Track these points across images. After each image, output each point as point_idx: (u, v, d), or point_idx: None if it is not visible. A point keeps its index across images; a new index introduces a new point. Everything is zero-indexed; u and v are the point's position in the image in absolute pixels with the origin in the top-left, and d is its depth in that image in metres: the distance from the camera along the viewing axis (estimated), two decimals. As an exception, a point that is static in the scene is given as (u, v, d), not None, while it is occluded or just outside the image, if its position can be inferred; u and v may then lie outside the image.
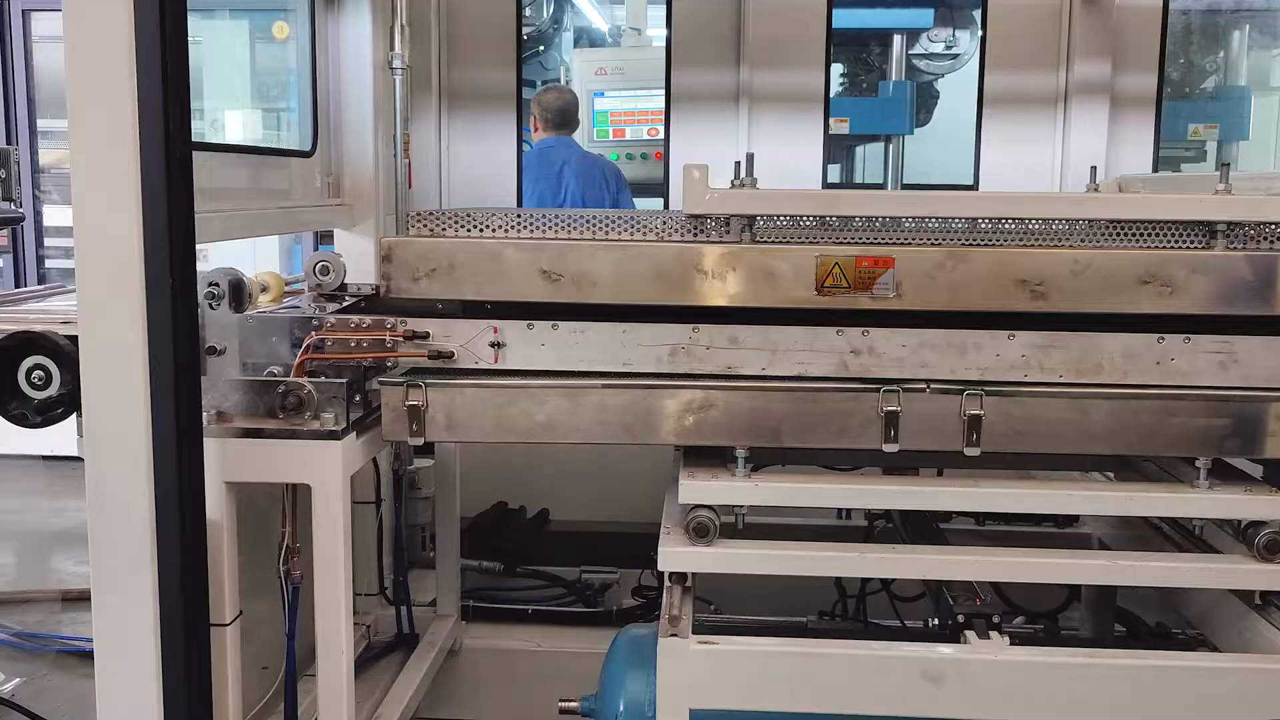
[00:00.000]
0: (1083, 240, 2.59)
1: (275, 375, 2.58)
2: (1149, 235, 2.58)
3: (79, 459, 2.27)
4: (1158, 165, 4.95)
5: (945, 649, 2.45)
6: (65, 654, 4.58)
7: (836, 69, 7.41)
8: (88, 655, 2.57)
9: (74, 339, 2.29)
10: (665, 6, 5.01)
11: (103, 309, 2.19)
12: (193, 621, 2.30)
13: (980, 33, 4.97)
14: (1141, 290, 2.50)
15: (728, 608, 3.59)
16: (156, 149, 2.13)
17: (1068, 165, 4.81)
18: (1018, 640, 2.50)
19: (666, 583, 2.59)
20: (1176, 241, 2.57)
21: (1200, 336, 2.52)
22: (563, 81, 7.93)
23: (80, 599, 5.00)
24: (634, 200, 5.86)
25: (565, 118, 5.67)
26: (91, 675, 2.31)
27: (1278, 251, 2.53)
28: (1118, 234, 2.58)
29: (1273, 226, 2.56)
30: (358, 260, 3.67)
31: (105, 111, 2.13)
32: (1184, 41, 7.58)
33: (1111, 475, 2.92)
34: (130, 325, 2.17)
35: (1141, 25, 4.79)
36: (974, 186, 4.93)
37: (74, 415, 2.42)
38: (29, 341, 2.43)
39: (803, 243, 2.58)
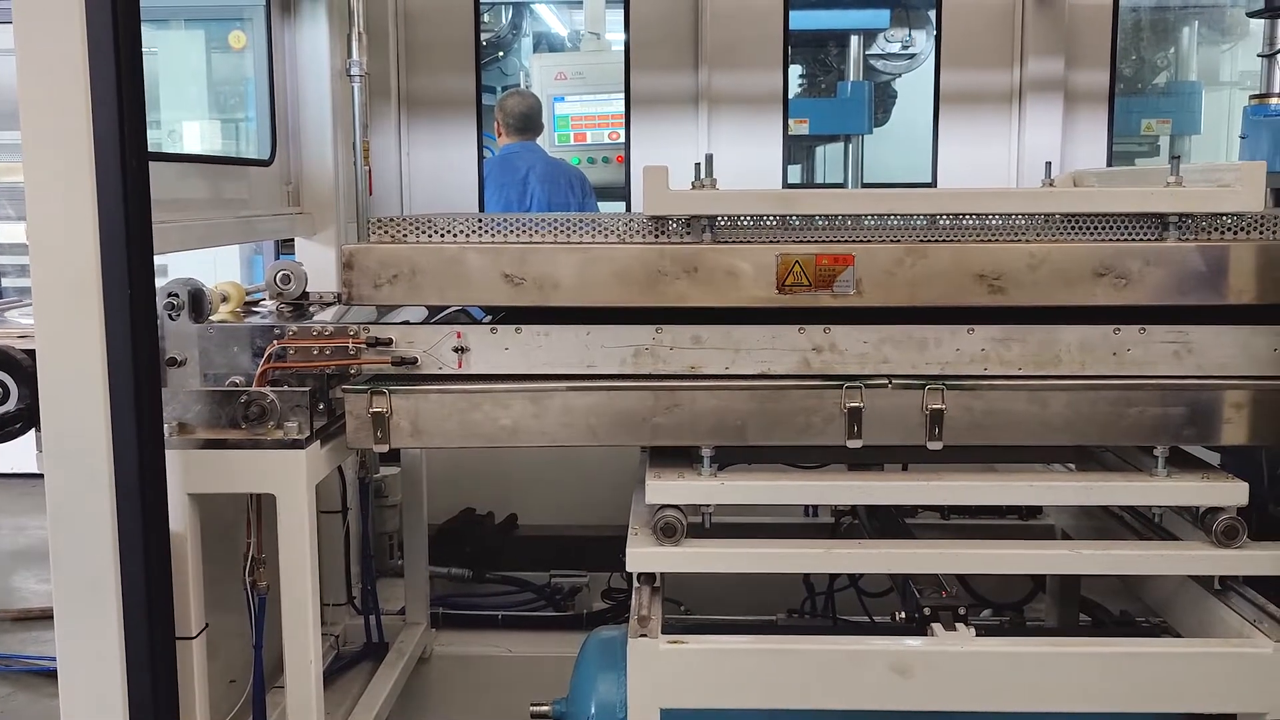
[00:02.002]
0: (1039, 235, 2.62)
1: (237, 385, 2.57)
2: (1104, 228, 2.60)
3: (39, 475, 2.24)
4: (1111, 160, 5.01)
5: (913, 642, 2.47)
6: (29, 674, 4.51)
7: (795, 70, 7.45)
8: (53, 674, 2.53)
9: (31, 353, 2.27)
10: (623, 10, 5.02)
11: (60, 322, 2.16)
12: (158, 636, 2.27)
13: (935, 32, 5.02)
14: (1097, 283, 2.54)
15: (697, 607, 3.61)
16: (112, 160, 2.11)
17: (1023, 161, 4.87)
18: (984, 632, 2.52)
19: (635, 584, 2.59)
20: (1130, 234, 2.60)
21: (1155, 327, 2.55)
22: (523, 87, 7.91)
23: (43, 617, 4.93)
24: (599, 206, 5.84)
25: (528, 123, 5.64)
26: (56, 694, 2.27)
27: (1229, 242, 2.57)
28: (1073, 228, 2.60)
29: (1223, 218, 2.60)
30: (319, 269, 3.65)
31: (59, 123, 2.10)
32: (1135, 38, 7.68)
33: (1072, 467, 2.96)
34: (89, 338, 2.15)
35: (1093, 22, 4.86)
36: (933, 184, 4.98)
37: (33, 430, 2.39)
38: (-15, 357, 2.39)
39: (764, 242, 2.59)
